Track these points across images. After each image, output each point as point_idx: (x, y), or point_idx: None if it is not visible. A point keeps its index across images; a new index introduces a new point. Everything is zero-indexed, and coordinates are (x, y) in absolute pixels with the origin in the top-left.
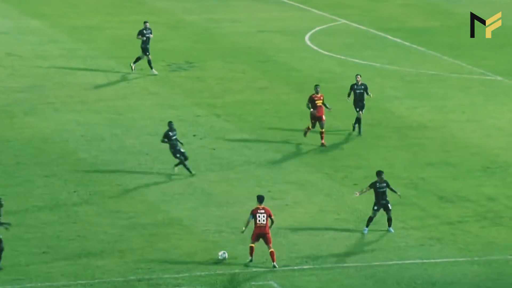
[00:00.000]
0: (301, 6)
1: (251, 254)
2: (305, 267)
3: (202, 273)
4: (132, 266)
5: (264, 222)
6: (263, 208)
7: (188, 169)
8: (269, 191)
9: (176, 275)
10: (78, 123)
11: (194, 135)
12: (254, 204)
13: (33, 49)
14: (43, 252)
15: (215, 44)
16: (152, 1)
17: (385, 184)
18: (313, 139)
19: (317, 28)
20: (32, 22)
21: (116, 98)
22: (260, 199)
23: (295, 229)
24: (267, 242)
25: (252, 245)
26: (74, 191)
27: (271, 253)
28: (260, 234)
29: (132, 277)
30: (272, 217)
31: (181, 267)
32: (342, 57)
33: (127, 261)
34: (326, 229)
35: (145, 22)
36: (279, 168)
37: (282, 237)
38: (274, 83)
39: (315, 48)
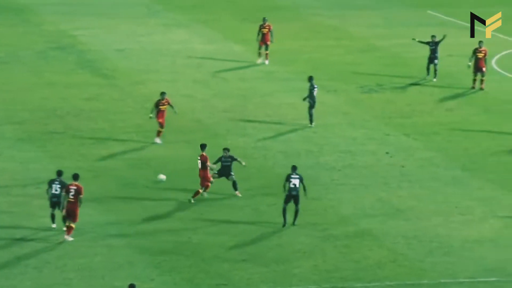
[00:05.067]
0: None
1: None
2: (491, 279)
3: (392, 283)
4: (326, 275)
5: None
6: None
7: None
8: (456, 207)
9: (367, 284)
10: (275, 140)
11: (386, 153)
12: (442, 218)
13: (235, 72)
14: (243, 260)
15: (404, 68)
16: (345, 27)
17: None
18: (496, 157)
19: (504, 53)
20: (235, 47)
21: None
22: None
23: (481, 243)
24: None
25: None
26: (273, 204)
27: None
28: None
29: (326, 285)
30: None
31: (372, 276)
32: None
33: (321, 270)
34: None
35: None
36: (465, 185)
37: (469, 250)
38: (461, 104)
39: (501, 71)
